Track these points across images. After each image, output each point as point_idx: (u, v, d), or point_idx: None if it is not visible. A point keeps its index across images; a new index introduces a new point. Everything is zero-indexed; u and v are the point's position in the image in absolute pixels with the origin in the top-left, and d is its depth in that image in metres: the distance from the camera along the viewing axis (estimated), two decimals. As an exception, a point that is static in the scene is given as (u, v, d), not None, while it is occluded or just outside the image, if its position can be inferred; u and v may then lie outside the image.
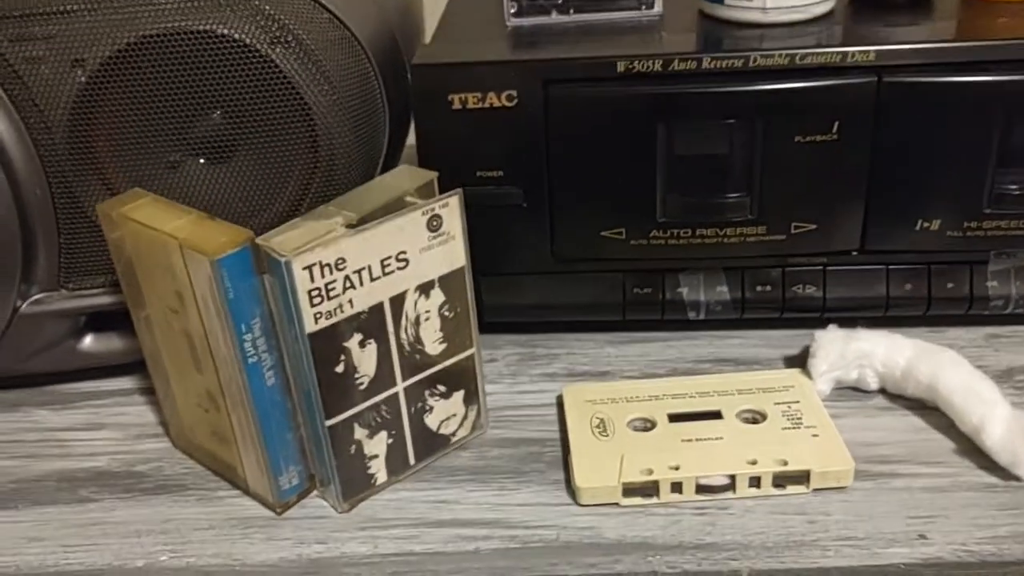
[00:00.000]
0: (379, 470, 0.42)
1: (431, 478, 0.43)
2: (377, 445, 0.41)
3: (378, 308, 0.39)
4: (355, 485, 0.41)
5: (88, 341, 0.49)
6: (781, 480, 0.41)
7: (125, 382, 0.51)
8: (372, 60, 0.47)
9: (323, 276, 0.37)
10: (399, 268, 0.39)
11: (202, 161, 0.46)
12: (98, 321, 0.49)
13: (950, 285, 0.48)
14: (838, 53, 0.43)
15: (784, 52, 0.43)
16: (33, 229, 0.44)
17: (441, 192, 0.41)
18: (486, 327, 0.52)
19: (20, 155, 0.43)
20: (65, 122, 0.43)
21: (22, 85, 0.42)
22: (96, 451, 0.46)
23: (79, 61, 0.42)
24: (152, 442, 0.47)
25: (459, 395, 0.44)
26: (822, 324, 0.48)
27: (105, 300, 0.47)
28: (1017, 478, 0.41)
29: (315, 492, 0.42)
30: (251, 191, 0.46)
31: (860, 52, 0.43)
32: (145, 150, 0.45)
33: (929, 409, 0.45)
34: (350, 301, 0.38)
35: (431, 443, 0.44)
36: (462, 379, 0.43)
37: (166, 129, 0.44)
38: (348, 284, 0.37)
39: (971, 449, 0.43)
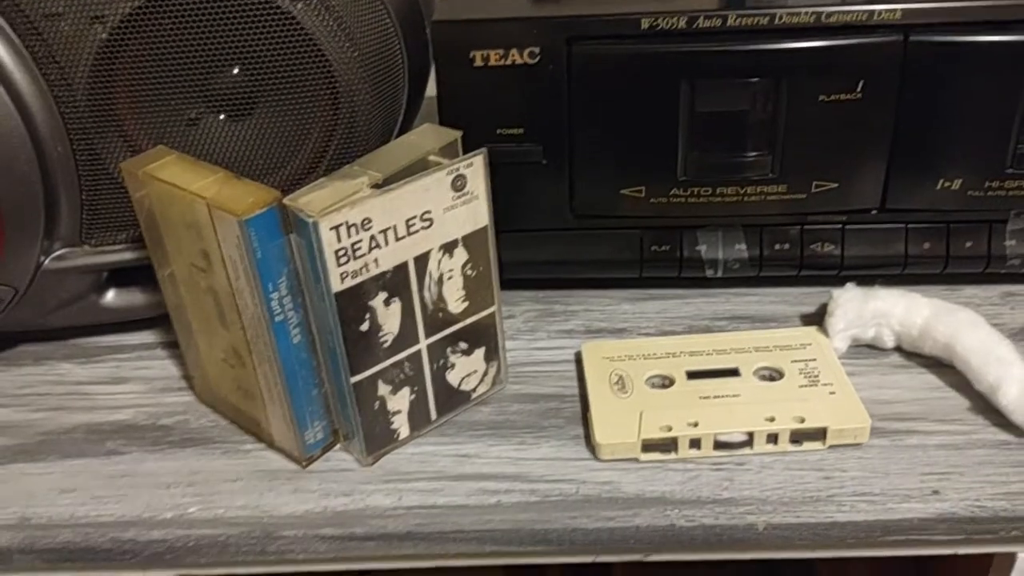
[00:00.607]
0: (402, 425, 0.43)
1: (452, 432, 0.44)
2: (400, 401, 0.42)
3: (402, 267, 0.39)
4: (378, 439, 0.42)
5: (111, 296, 0.50)
6: (798, 437, 0.42)
7: (148, 336, 0.51)
8: (393, 16, 0.46)
9: (349, 236, 0.37)
10: (424, 228, 0.39)
11: (222, 117, 0.46)
12: (120, 276, 0.49)
13: (968, 244, 0.49)
14: (864, 12, 0.43)
15: (810, 10, 0.43)
16: (55, 185, 0.45)
17: (464, 151, 0.41)
18: (504, 283, 0.52)
19: (41, 112, 0.43)
20: (86, 79, 0.43)
21: (42, 42, 0.42)
22: (121, 404, 0.47)
23: (99, 17, 0.42)
24: (176, 395, 0.47)
25: (480, 352, 0.44)
26: (839, 282, 0.48)
27: (127, 256, 0.48)
28: (1031, 437, 0.42)
29: (339, 446, 0.43)
30: (271, 147, 0.46)
31: (887, 11, 0.43)
32: (165, 106, 0.45)
33: (945, 367, 0.46)
34: (375, 260, 0.38)
35: (452, 399, 0.44)
36: (483, 336, 0.44)
37: (186, 85, 0.44)
38: (374, 244, 0.38)
39: (986, 407, 0.43)
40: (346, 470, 0.42)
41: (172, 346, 0.49)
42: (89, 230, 0.47)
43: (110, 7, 0.42)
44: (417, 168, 0.39)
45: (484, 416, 0.45)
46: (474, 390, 0.45)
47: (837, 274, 0.50)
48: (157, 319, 0.50)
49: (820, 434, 0.42)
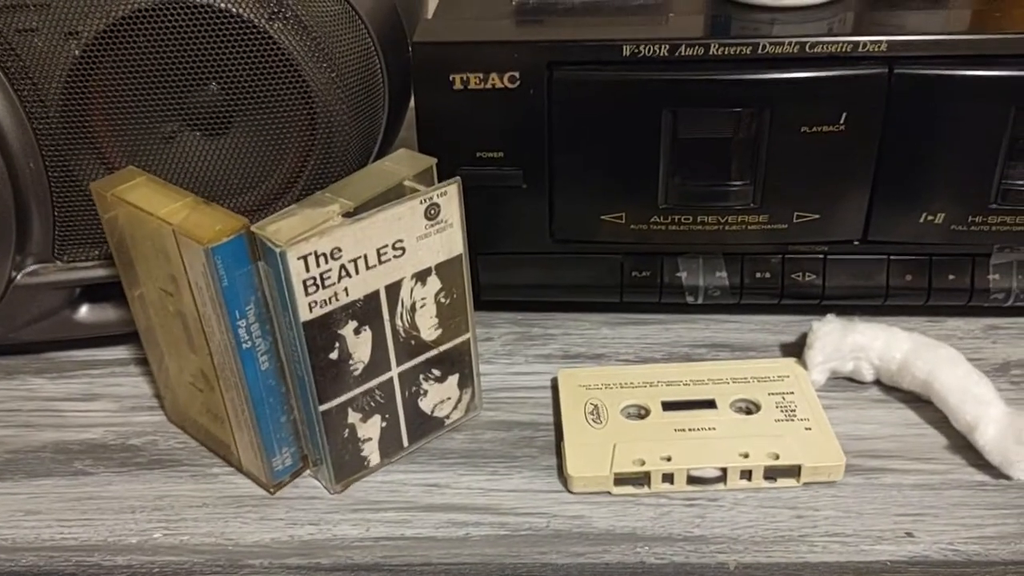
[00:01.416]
0: (372, 452, 0.42)
1: (424, 460, 0.44)
2: (371, 428, 0.42)
3: (374, 296, 0.39)
4: (348, 467, 0.42)
5: (83, 311, 0.49)
6: (772, 473, 0.41)
7: (121, 352, 0.51)
8: (373, 35, 0.46)
9: (318, 265, 0.36)
10: (395, 256, 0.39)
11: (198, 134, 0.45)
12: (93, 292, 0.49)
13: (951, 277, 0.48)
14: (849, 43, 0.42)
15: (794, 40, 0.42)
16: (27, 201, 0.44)
17: (440, 177, 0.40)
18: (482, 305, 0.52)
19: (14, 128, 0.42)
20: (59, 95, 0.42)
21: (16, 57, 0.41)
22: (91, 423, 0.47)
23: (73, 33, 0.41)
24: (146, 415, 0.47)
25: (454, 379, 0.44)
26: (821, 311, 0.48)
27: (100, 272, 0.47)
28: (1007, 477, 0.41)
29: (308, 472, 0.43)
30: (247, 165, 0.46)
31: (872, 42, 0.42)
32: (140, 123, 0.44)
33: (923, 402, 0.45)
34: (345, 290, 0.38)
35: (425, 426, 0.44)
36: (457, 363, 0.43)
37: (161, 102, 0.44)
38: (344, 273, 0.37)
39: (963, 445, 0.43)
40: (314, 497, 0.42)
41: (144, 363, 0.48)
42: (62, 246, 0.47)
43: (84, 23, 0.41)
44: (391, 196, 0.38)
45: (457, 444, 0.44)
46: (447, 416, 0.44)
47: (818, 303, 0.49)
48: (131, 334, 0.49)
49: (794, 471, 0.41)
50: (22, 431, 0.46)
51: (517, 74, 0.44)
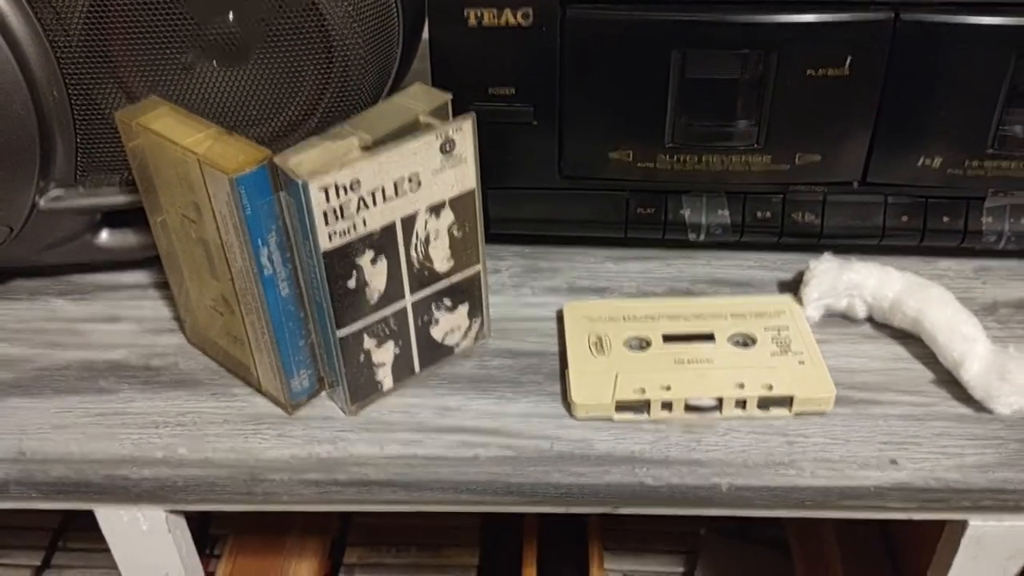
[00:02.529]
0: (386, 376, 0.44)
1: (434, 384, 0.46)
2: (384, 354, 0.43)
3: (390, 227, 0.40)
4: (363, 390, 0.44)
5: (104, 236, 0.50)
6: (766, 403, 0.43)
7: (141, 276, 0.52)
8: (389, -31, 0.46)
9: (338, 197, 0.38)
10: (411, 189, 0.40)
11: (216, 64, 0.46)
12: (114, 217, 0.50)
13: (946, 219, 0.50)
14: (857, -13, 0.43)
15: (803, -17, 0.43)
16: (50, 129, 0.45)
17: (455, 110, 0.41)
18: (492, 238, 0.53)
19: (37, 56, 0.43)
20: (81, 24, 0.43)
21: (39, -15, 0.42)
22: (114, 343, 0.49)
23: (94, -38, 0.42)
24: (167, 336, 0.49)
25: (464, 308, 0.45)
26: (819, 250, 0.50)
27: (121, 199, 0.48)
28: (989, 411, 0.43)
29: (324, 393, 0.45)
30: (264, 96, 0.47)
31: (879, -13, 0.43)
32: (160, 52, 0.45)
33: (913, 339, 0.47)
34: (363, 220, 0.39)
35: (436, 352, 0.46)
36: (468, 293, 0.45)
37: (180, 31, 0.44)
38: (362, 204, 0.39)
39: (949, 380, 0.45)
40: (331, 418, 0.44)
41: (165, 287, 0.50)
42: (84, 172, 0.48)
43: (105, -48, 0.42)
44: (407, 130, 0.40)
45: (466, 370, 0.46)
46: (457, 344, 0.46)
47: (817, 242, 0.51)
48: (151, 259, 0.51)
49: (787, 402, 0.43)
50: (47, 350, 0.48)
51: (531, 11, 0.45)
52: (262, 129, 0.47)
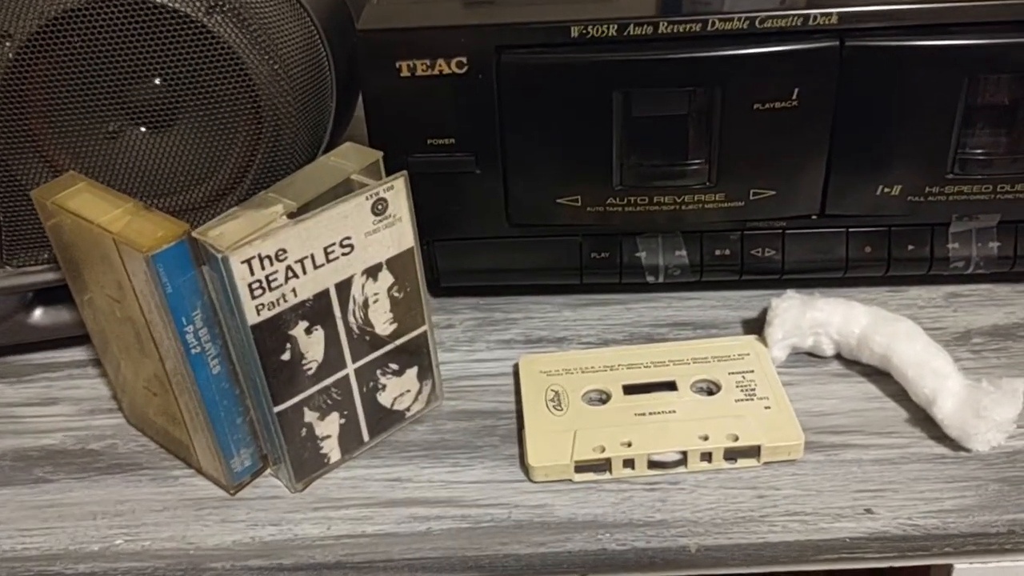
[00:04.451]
0: (332, 449, 0.42)
1: (386, 454, 0.43)
2: (329, 426, 0.41)
3: (323, 295, 0.38)
4: (308, 465, 0.41)
5: (38, 314, 0.48)
6: (732, 454, 0.41)
7: (79, 353, 0.50)
8: (317, 23, 0.45)
9: (263, 268, 0.36)
10: (344, 254, 0.38)
11: (143, 130, 0.44)
12: (47, 294, 0.48)
13: (911, 247, 0.48)
14: (799, 16, 0.41)
15: (743, 16, 0.41)
16: (-30, 208, 0.43)
17: (390, 167, 0.40)
18: (443, 291, 0.52)
19: (-51, 135, 0.41)
20: (-6, 99, 0.41)
21: (-54, 62, 0.40)
22: (50, 428, 0.46)
23: (6, 35, 0.40)
24: (105, 417, 0.47)
25: (412, 371, 0.43)
26: (782, 285, 0.48)
27: (51, 276, 0.46)
28: (966, 450, 0.41)
29: (268, 471, 0.42)
30: (194, 160, 0.45)
31: (822, 15, 0.41)
32: (83, 122, 0.43)
33: (883, 375, 0.45)
34: (293, 290, 0.37)
35: (385, 419, 0.44)
36: (415, 356, 0.43)
37: (103, 99, 0.43)
38: (290, 274, 0.37)
39: (923, 418, 0.43)
40: (276, 497, 0.42)
41: (102, 364, 0.48)
42: (11, 251, 0.46)
43: (16, 25, 0.40)
44: (338, 192, 0.38)
45: (419, 436, 0.44)
46: (408, 409, 0.44)
47: (779, 278, 0.49)
48: (87, 335, 0.49)
49: (754, 451, 0.41)
50: (-19, 439, 0.46)
51: (465, 59, 0.43)
52: (194, 195, 0.45)
